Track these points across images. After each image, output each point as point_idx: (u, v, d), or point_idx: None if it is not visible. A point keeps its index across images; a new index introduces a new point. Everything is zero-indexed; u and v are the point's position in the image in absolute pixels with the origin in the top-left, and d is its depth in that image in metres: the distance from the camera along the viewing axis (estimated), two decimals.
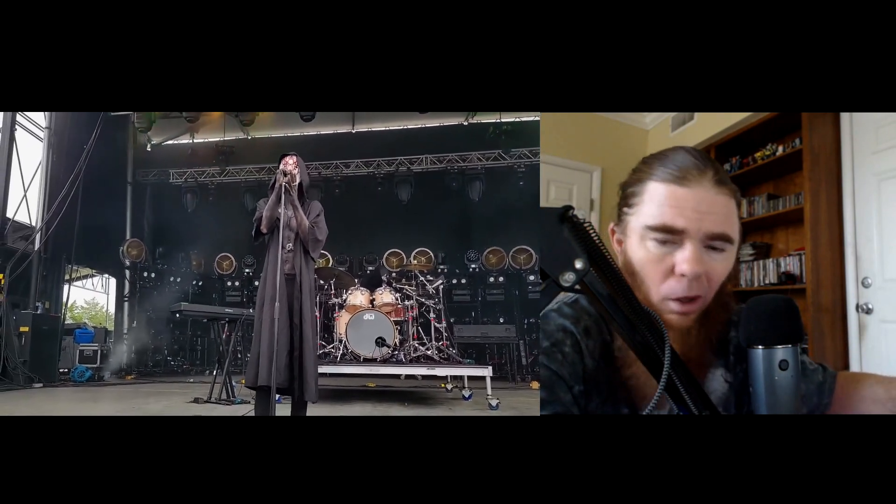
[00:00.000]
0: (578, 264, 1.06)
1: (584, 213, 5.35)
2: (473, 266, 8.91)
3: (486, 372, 4.76)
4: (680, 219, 1.27)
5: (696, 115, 5.04)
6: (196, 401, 4.83)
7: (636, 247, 1.33)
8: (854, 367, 3.70)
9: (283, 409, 3.07)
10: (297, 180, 3.06)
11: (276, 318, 2.77)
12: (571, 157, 5.20)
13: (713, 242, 1.29)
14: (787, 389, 1.23)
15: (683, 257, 1.26)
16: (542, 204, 5.24)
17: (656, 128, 5.60)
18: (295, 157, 3.12)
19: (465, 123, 9.48)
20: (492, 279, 8.75)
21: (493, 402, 4.51)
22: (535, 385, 6.80)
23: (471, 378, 5.39)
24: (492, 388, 4.73)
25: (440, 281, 6.35)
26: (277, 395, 3.60)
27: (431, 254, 8.82)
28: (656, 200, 1.30)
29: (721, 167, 1.33)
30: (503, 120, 8.96)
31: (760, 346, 1.25)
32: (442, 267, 8.73)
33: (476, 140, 9.18)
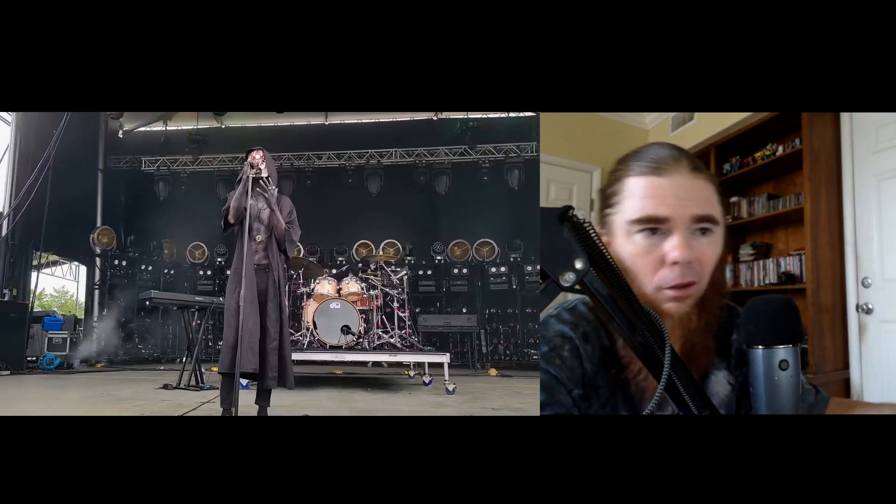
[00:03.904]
0: (578, 264, 1.07)
1: (584, 213, 5.25)
2: (439, 258, 9.20)
3: (444, 358, 5.07)
4: (662, 207, 1.30)
5: (696, 115, 5.00)
6: (165, 387, 4.91)
7: (624, 243, 1.36)
8: (854, 367, 3.70)
9: (249, 395, 3.19)
10: (264, 174, 3.13)
11: (241, 305, 2.86)
12: (571, 157, 5.18)
13: (699, 226, 1.31)
14: (787, 389, 1.22)
15: (672, 245, 1.29)
16: (542, 204, 5.14)
17: (656, 128, 5.58)
18: (262, 152, 3.18)
19: (435, 119, 9.71)
20: (456, 270, 9.05)
21: (450, 388, 4.82)
22: (493, 372, 7.16)
23: (432, 365, 5.72)
24: (454, 374, 5.04)
25: (404, 272, 6.65)
26: (245, 381, 3.86)
27: (399, 245, 9.10)
28: (636, 194, 1.33)
29: (696, 157, 1.37)
30: (470, 117, 9.22)
31: (760, 347, 1.24)
32: (409, 258, 9.00)
33: (444, 135, 9.43)
